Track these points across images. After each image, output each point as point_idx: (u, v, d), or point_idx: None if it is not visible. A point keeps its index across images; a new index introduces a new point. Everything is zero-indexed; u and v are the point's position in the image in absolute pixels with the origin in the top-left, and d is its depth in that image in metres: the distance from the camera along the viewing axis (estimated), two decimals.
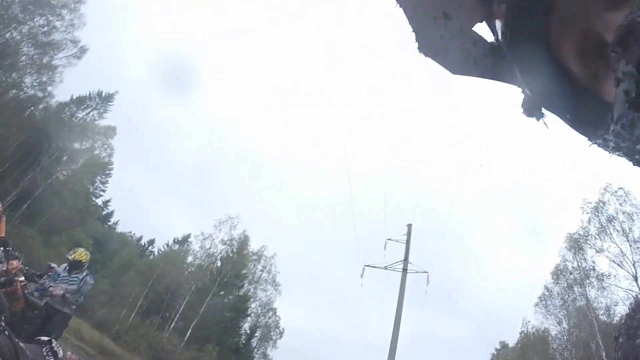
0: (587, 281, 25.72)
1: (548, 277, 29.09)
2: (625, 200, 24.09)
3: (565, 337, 29.41)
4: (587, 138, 0.54)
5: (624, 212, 23.95)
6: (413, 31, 0.57)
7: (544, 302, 29.54)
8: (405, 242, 19.03)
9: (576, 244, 25.83)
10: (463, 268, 71.80)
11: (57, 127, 30.32)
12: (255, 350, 35.07)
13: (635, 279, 23.20)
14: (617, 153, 0.48)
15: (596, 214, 24.71)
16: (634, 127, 0.40)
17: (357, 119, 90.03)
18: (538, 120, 0.60)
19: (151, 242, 43.99)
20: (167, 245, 40.55)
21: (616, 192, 24.27)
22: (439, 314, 66.96)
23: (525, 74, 0.55)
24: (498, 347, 40.40)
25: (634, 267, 23.27)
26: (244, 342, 33.91)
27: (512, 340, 37.81)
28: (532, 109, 0.59)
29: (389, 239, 19.53)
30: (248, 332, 34.36)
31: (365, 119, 80.00)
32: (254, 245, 36.00)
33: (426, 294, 20.37)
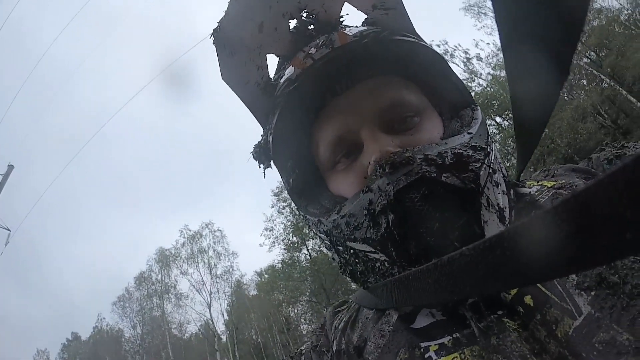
0: (167, 296, 28.57)
1: (131, 281, 30.45)
2: (219, 241, 28.28)
3: (138, 342, 31.15)
4: (297, 206, 0.58)
5: (214, 250, 28.09)
6: (225, 11, 0.52)
7: (122, 304, 30.56)
8: None
9: (165, 260, 28.21)
10: (56, 245, 66.60)
11: None
12: None
13: (209, 306, 27.31)
14: (321, 235, 0.52)
15: (191, 242, 28.08)
16: (358, 229, 0.45)
17: None
18: (261, 167, 0.61)
19: None
20: None
21: (215, 231, 28.34)
22: (13, 284, 56.91)
23: (277, 125, 0.54)
24: (70, 338, 39.14)
25: (210, 297, 27.45)
26: None
27: (85, 333, 37.59)
28: (262, 156, 0.60)
29: None
30: None
31: None
32: None
33: (1, 255, 18.28)
